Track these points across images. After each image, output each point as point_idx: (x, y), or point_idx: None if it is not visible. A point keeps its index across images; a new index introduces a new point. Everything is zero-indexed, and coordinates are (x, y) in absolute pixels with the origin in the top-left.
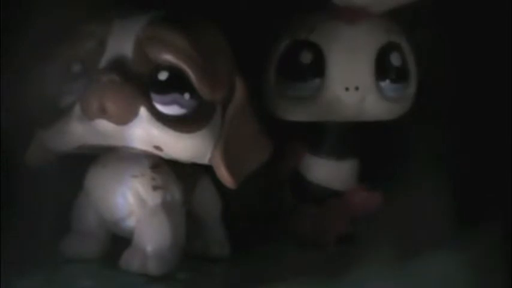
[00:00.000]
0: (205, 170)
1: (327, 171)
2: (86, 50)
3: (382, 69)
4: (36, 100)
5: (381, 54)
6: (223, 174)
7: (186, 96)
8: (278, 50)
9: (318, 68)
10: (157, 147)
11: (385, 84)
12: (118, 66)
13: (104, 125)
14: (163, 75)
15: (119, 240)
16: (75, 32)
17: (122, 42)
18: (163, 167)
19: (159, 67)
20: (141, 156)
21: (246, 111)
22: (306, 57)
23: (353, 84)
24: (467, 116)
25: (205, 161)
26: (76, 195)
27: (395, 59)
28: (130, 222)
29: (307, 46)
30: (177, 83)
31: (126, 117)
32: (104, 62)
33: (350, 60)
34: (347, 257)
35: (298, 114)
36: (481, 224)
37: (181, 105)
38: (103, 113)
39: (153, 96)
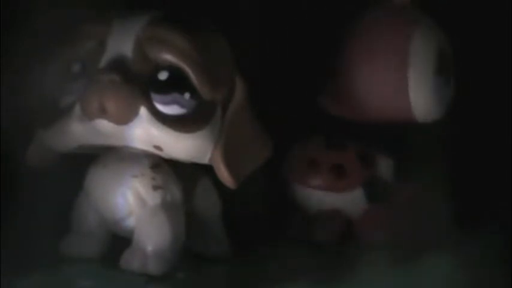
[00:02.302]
0: (205, 170)
1: (388, 169)
2: (86, 50)
3: None
4: (36, 100)
5: None
6: (223, 174)
7: (186, 96)
8: None
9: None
10: (157, 147)
11: None
12: (118, 66)
13: (104, 125)
14: (163, 75)
15: (119, 240)
16: (75, 32)
17: (122, 42)
18: (163, 167)
19: (159, 67)
20: (141, 156)
21: (246, 111)
22: None
23: None
24: (468, 116)
25: (205, 161)
26: (76, 195)
27: None
28: (130, 222)
29: None
30: (177, 83)
31: (126, 117)
32: (104, 62)
33: None
34: (347, 258)
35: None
36: (481, 225)
37: (181, 105)
38: (103, 113)
39: (153, 96)
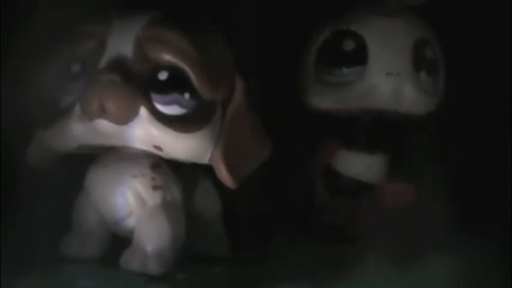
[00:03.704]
0: (205, 170)
1: (360, 164)
2: (86, 50)
3: (419, 60)
4: (36, 100)
5: (416, 47)
6: (223, 175)
7: (186, 96)
8: (318, 40)
9: (361, 55)
10: (157, 147)
11: (421, 75)
12: (118, 66)
13: (104, 125)
14: (163, 75)
15: (119, 240)
16: (75, 32)
17: (122, 42)
18: (163, 167)
19: (159, 67)
20: (141, 156)
21: (246, 111)
22: (349, 45)
23: (395, 70)
24: (468, 115)
25: (205, 161)
26: (76, 195)
27: (429, 53)
28: (130, 222)
29: (349, 35)
30: (177, 83)
31: (126, 117)
32: (104, 62)
33: (391, 49)
34: (347, 258)
35: (337, 101)
36: (481, 225)
37: (181, 105)
38: (103, 113)
39: (153, 96)
